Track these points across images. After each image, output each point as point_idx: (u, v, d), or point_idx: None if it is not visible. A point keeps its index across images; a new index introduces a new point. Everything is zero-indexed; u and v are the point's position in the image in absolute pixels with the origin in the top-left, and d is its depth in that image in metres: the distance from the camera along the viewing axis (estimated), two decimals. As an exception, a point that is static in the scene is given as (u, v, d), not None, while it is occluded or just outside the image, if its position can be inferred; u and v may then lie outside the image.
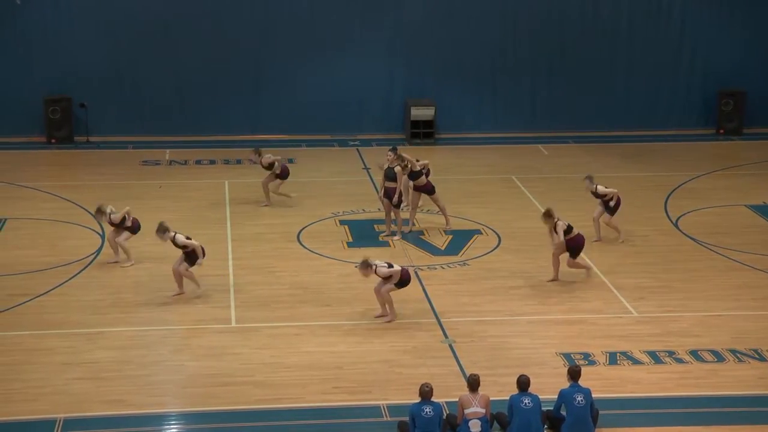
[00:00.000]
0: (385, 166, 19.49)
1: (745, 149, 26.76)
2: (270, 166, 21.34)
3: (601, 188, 19.25)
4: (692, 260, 18.83)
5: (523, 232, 20.19)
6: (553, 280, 17.57)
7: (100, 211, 18.09)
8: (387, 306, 16.02)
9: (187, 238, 16.87)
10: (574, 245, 17.42)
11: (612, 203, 19.17)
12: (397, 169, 19.38)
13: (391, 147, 20.28)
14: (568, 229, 17.38)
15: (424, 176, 19.85)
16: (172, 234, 16.77)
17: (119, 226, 18.15)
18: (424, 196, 20.24)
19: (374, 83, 27.40)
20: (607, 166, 25.01)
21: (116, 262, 18.23)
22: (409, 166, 19.58)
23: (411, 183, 19.92)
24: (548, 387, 13.37)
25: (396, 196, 19.25)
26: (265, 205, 21.45)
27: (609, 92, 27.94)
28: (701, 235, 19.98)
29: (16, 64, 26.49)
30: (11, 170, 24.01)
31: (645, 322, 16.17)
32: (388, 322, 15.96)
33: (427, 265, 18.40)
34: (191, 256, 16.75)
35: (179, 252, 16.89)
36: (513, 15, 27.39)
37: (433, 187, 19.99)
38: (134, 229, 18.29)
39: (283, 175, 21.40)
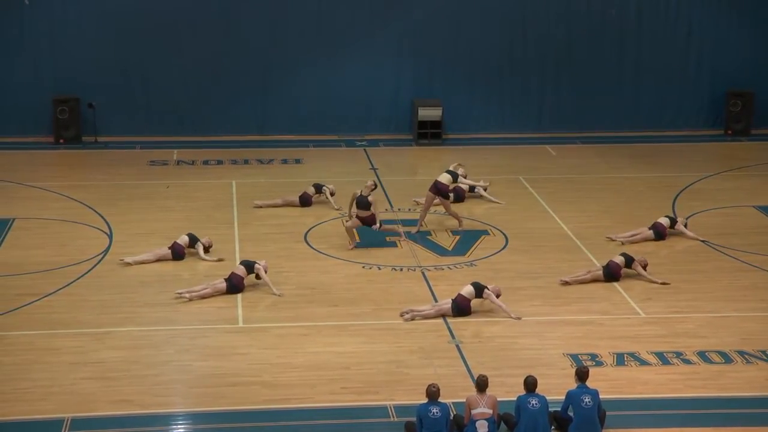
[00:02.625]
0: (359, 193, 19.15)
1: (753, 150, 26.69)
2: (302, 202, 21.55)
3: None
4: (700, 261, 18.80)
5: (531, 232, 20.19)
6: (565, 283, 17.52)
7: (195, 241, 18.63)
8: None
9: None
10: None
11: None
12: (372, 198, 19.03)
13: (373, 181, 19.95)
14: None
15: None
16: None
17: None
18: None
19: (382, 84, 27.41)
20: (614, 167, 25.00)
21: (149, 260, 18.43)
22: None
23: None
24: (555, 388, 13.37)
25: (376, 223, 19.06)
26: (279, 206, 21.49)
27: (617, 93, 27.91)
28: (709, 236, 19.93)
29: (25, 65, 26.54)
30: (19, 170, 24.05)
31: (652, 323, 16.15)
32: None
33: (434, 266, 18.40)
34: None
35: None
36: (521, 16, 27.37)
37: (448, 193, 19.95)
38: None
39: (302, 203, 21.51)
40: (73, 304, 16.63)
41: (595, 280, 17.57)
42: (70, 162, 25.51)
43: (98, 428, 12.94)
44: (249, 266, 17.19)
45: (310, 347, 15.17)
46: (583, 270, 17.80)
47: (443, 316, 16.14)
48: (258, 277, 17.16)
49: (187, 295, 16.70)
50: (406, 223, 20.36)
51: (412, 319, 16.03)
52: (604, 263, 17.81)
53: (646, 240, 19.61)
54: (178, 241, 18.55)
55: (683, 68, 27.92)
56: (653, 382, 14.22)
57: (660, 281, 17.59)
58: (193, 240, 18.59)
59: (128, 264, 18.09)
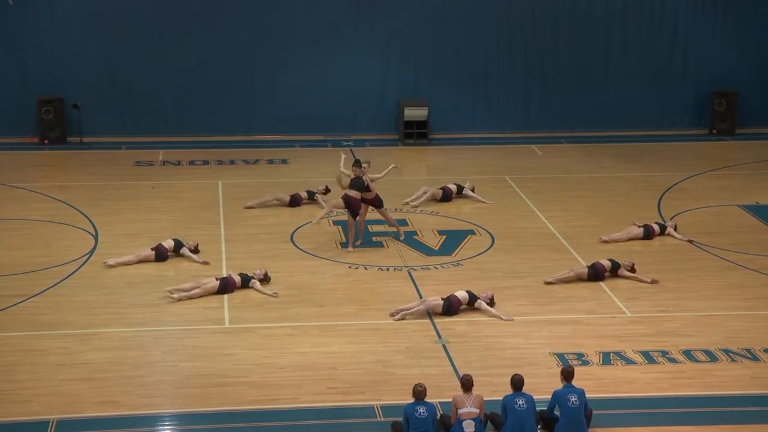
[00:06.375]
0: (352, 176, 19.04)
1: (738, 149, 26.83)
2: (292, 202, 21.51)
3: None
4: (685, 260, 18.87)
5: (517, 232, 20.23)
6: (550, 283, 17.56)
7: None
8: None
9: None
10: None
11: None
12: (367, 177, 19.02)
13: (355, 161, 19.62)
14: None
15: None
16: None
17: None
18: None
19: (368, 83, 27.41)
20: (600, 166, 25.07)
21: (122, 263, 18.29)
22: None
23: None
24: (542, 387, 13.39)
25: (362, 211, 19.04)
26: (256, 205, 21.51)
27: (602, 93, 27.99)
28: (694, 235, 20.00)
29: (9, 65, 26.44)
30: (4, 171, 23.94)
31: (638, 322, 16.20)
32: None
33: (420, 266, 18.42)
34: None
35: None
36: (507, 15, 27.42)
37: (381, 201, 19.56)
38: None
39: (292, 203, 21.49)
40: (59, 305, 16.57)
41: (579, 278, 17.62)
42: (54, 163, 25.42)
43: (84, 430, 12.89)
44: (245, 281, 17.15)
45: (297, 347, 15.16)
46: (566, 270, 17.83)
47: (431, 311, 16.16)
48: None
49: (175, 295, 16.66)
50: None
51: (403, 319, 16.03)
52: (590, 263, 17.84)
53: (633, 239, 19.65)
54: (164, 243, 18.50)
55: (669, 68, 28.02)
56: (639, 380, 14.27)
57: (649, 280, 17.64)
58: (178, 245, 18.52)
59: (111, 266, 18.04)
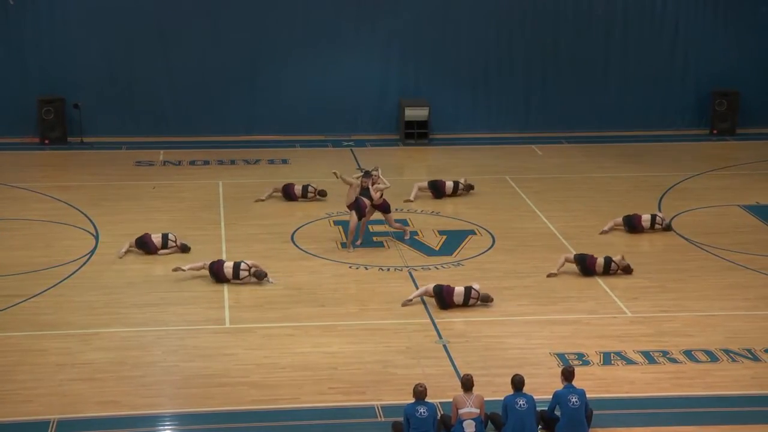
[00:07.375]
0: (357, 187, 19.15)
1: (739, 149, 26.83)
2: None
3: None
4: (686, 260, 18.87)
5: (517, 232, 20.23)
6: (552, 275, 17.67)
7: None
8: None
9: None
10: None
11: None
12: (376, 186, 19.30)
13: (364, 173, 19.65)
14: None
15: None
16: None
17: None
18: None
19: (368, 84, 27.42)
20: (600, 166, 25.07)
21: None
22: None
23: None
24: (543, 387, 13.40)
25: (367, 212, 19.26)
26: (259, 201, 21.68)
27: (603, 93, 27.99)
28: (695, 235, 20.02)
29: (10, 65, 26.45)
30: (4, 171, 23.95)
31: (639, 322, 16.21)
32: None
33: (421, 266, 18.42)
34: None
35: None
36: (507, 15, 27.43)
37: (389, 206, 19.66)
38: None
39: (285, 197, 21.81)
40: (60, 305, 16.58)
41: (567, 261, 17.80)
42: (55, 163, 25.43)
43: (85, 430, 12.90)
44: (236, 269, 17.18)
45: (298, 347, 15.16)
46: (562, 258, 18.03)
47: (424, 295, 16.53)
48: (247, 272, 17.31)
49: (185, 267, 17.34)
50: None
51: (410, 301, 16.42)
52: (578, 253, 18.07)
53: (617, 226, 20.04)
54: (151, 235, 18.74)
55: (669, 68, 28.03)
56: (640, 381, 14.27)
57: (620, 256, 17.88)
58: (164, 239, 18.65)
59: (121, 257, 18.39)
